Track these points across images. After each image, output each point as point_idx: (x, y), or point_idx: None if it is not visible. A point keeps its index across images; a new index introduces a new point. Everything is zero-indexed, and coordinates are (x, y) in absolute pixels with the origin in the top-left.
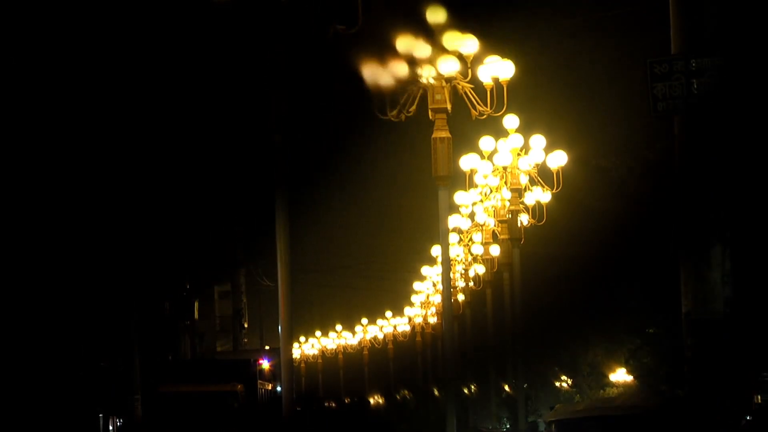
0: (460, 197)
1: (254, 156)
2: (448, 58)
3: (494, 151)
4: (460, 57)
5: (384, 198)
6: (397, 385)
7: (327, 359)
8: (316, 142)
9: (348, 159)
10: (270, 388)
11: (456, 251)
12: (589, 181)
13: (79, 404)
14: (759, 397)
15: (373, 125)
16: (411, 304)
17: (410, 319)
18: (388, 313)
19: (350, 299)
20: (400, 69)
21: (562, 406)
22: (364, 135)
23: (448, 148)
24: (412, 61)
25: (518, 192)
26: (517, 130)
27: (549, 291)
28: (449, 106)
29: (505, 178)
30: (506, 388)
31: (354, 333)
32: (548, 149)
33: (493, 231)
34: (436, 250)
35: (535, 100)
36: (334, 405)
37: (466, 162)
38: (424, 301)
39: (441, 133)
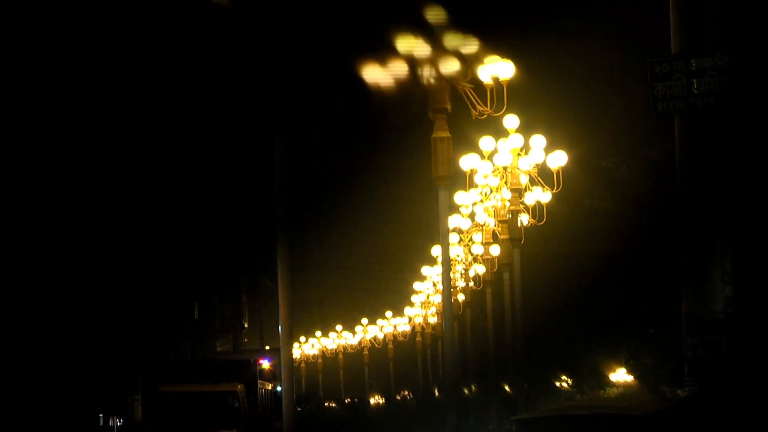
0: (460, 197)
1: (254, 156)
2: (448, 58)
3: (494, 151)
4: (460, 57)
5: (384, 198)
6: (397, 385)
7: (327, 359)
8: (316, 142)
9: (348, 160)
10: (270, 388)
11: (456, 251)
12: (590, 181)
13: (79, 404)
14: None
15: (373, 125)
16: (411, 304)
17: (410, 319)
18: (389, 313)
19: (350, 299)
20: (401, 69)
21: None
22: (365, 135)
23: (448, 148)
24: (413, 62)
25: (518, 192)
26: (517, 130)
27: (549, 291)
28: (449, 106)
29: (505, 178)
30: (506, 388)
31: (354, 333)
32: (548, 149)
33: (494, 231)
34: (436, 250)
35: (535, 100)
36: (334, 405)
37: (467, 162)
38: (424, 301)
39: (441, 133)
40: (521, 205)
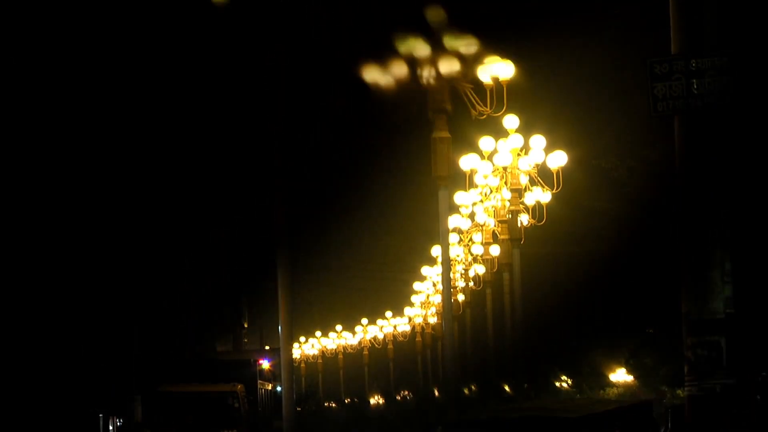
0: (460, 197)
1: (255, 157)
2: (448, 58)
3: (494, 152)
4: (460, 57)
5: (384, 198)
6: (397, 385)
7: (327, 359)
8: (315, 142)
9: (348, 159)
10: (270, 388)
11: (456, 251)
12: (589, 182)
13: (79, 404)
14: (759, 397)
15: (373, 125)
16: (411, 304)
17: (410, 319)
18: (388, 313)
19: (350, 299)
20: (401, 70)
21: None
22: (365, 135)
23: (448, 148)
24: (413, 62)
25: (518, 192)
26: (517, 131)
27: (549, 291)
28: (449, 107)
29: (505, 179)
30: (506, 388)
31: (354, 333)
32: (548, 149)
33: (493, 231)
34: (436, 250)
35: (535, 101)
36: (334, 405)
37: (466, 162)
38: (424, 301)
39: (441, 133)
40: (521, 206)
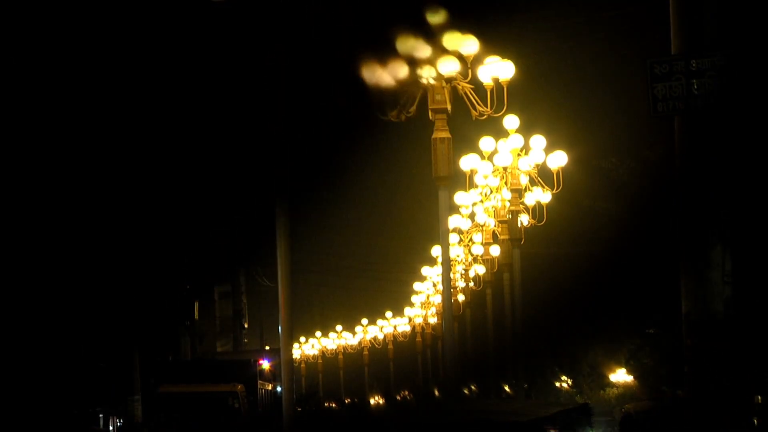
0: (460, 198)
1: (255, 157)
2: (448, 58)
3: (494, 152)
4: (460, 57)
5: (384, 198)
6: (397, 385)
7: (327, 359)
8: (316, 142)
9: (348, 160)
10: (270, 388)
11: (456, 251)
12: (590, 182)
13: (79, 404)
14: (760, 398)
15: (373, 126)
16: (411, 305)
17: (410, 320)
18: (389, 314)
19: (350, 299)
20: (401, 70)
21: None
22: (365, 135)
23: (448, 148)
24: (413, 62)
25: (518, 192)
26: (517, 131)
27: (549, 291)
28: (449, 107)
29: (505, 179)
30: (506, 388)
31: (354, 333)
32: (548, 150)
33: (494, 231)
34: (436, 251)
35: (535, 101)
36: (334, 405)
37: (467, 162)
38: (424, 302)
39: (441, 134)
40: (521, 206)
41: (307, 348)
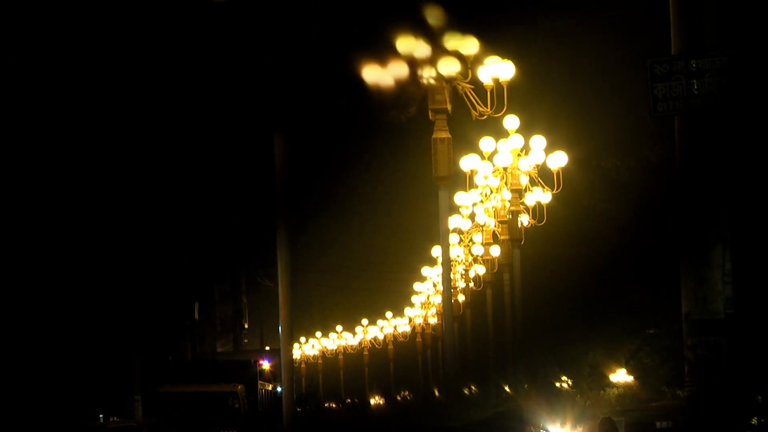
0: (460, 198)
1: (255, 158)
2: (448, 58)
3: (494, 152)
4: (461, 58)
5: (384, 198)
6: (397, 385)
7: (327, 360)
8: (316, 143)
9: (348, 160)
10: (270, 388)
11: (456, 252)
12: (590, 182)
13: (80, 404)
14: (760, 397)
15: (373, 126)
16: (411, 305)
17: (410, 320)
18: (389, 314)
19: (350, 300)
20: (401, 70)
21: None
22: (365, 136)
23: (448, 148)
24: (413, 62)
25: (518, 192)
26: (517, 131)
27: (549, 291)
28: (449, 107)
29: (505, 179)
30: (506, 388)
31: (354, 333)
32: (548, 150)
33: (494, 231)
34: (436, 251)
35: (536, 101)
36: (334, 405)
37: (467, 162)
38: (424, 302)
39: (441, 134)
40: (521, 206)
41: (307, 348)
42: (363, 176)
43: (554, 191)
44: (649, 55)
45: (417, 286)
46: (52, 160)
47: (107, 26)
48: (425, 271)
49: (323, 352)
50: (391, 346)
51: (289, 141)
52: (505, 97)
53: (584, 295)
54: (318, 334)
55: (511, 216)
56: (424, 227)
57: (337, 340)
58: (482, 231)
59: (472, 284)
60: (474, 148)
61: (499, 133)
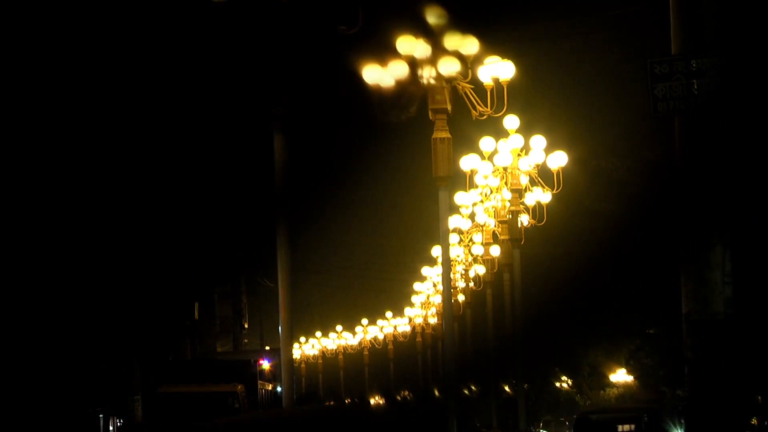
0: (460, 198)
1: (255, 158)
2: (448, 58)
3: (494, 152)
4: (461, 57)
5: (384, 198)
6: (397, 385)
7: (327, 360)
8: (316, 143)
9: (348, 160)
10: (270, 388)
11: (456, 252)
12: (590, 182)
13: (79, 404)
14: (760, 397)
15: (373, 126)
16: (411, 305)
17: (410, 320)
18: (389, 314)
19: (350, 300)
20: (401, 70)
21: None
22: (365, 136)
23: (448, 148)
24: (413, 62)
25: (518, 192)
26: (517, 131)
27: (549, 292)
28: (449, 107)
29: (505, 179)
30: (506, 388)
31: (354, 333)
32: (548, 150)
33: (494, 231)
34: (436, 251)
35: (536, 101)
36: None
37: (467, 162)
38: (424, 302)
39: (441, 134)
40: (521, 206)
41: (307, 348)
42: (363, 176)
43: (554, 191)
44: (649, 55)
45: (417, 286)
46: (54, 161)
47: (106, 26)
48: (425, 271)
49: (323, 352)
50: (391, 346)
51: (289, 141)
52: (505, 97)
53: (584, 295)
54: (318, 334)
55: (511, 216)
56: (424, 227)
57: (337, 340)
58: (482, 231)
59: (472, 284)
60: (474, 148)
61: (499, 133)
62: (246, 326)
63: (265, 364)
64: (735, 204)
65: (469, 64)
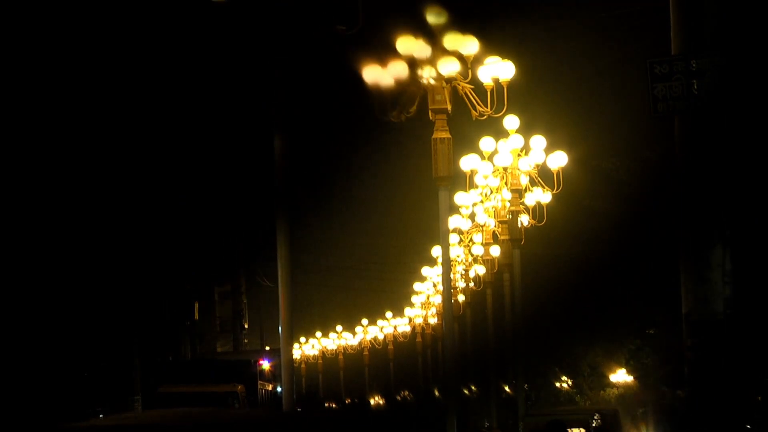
0: (460, 198)
1: (255, 158)
2: (448, 58)
3: (494, 152)
4: (461, 58)
5: (384, 198)
6: (397, 385)
7: (327, 360)
8: (316, 143)
9: (348, 160)
10: (270, 388)
11: (456, 252)
12: (590, 182)
13: (80, 404)
14: (760, 397)
15: (373, 126)
16: (411, 305)
17: (410, 320)
18: (389, 314)
19: (350, 300)
20: (401, 70)
21: None
22: (365, 136)
23: (448, 148)
24: (413, 62)
25: (518, 193)
26: (517, 131)
27: (549, 292)
28: (449, 107)
29: (505, 179)
30: (506, 388)
31: (354, 333)
32: (548, 150)
33: (494, 232)
34: (436, 251)
35: (536, 101)
36: (334, 405)
37: (467, 163)
38: (424, 302)
39: (441, 134)
40: (521, 206)
41: (307, 348)
42: (363, 176)
43: (554, 191)
44: (649, 55)
45: (417, 286)
46: (53, 160)
47: (107, 26)
48: (425, 271)
49: (323, 352)
50: (391, 346)
51: (288, 141)
52: (505, 97)
53: (584, 295)
54: (318, 334)
55: (511, 216)
56: (424, 227)
57: (337, 340)
58: (482, 231)
59: (472, 284)
60: (474, 148)
61: (499, 133)
62: (246, 326)
63: (265, 365)
64: (735, 204)
65: (469, 64)
